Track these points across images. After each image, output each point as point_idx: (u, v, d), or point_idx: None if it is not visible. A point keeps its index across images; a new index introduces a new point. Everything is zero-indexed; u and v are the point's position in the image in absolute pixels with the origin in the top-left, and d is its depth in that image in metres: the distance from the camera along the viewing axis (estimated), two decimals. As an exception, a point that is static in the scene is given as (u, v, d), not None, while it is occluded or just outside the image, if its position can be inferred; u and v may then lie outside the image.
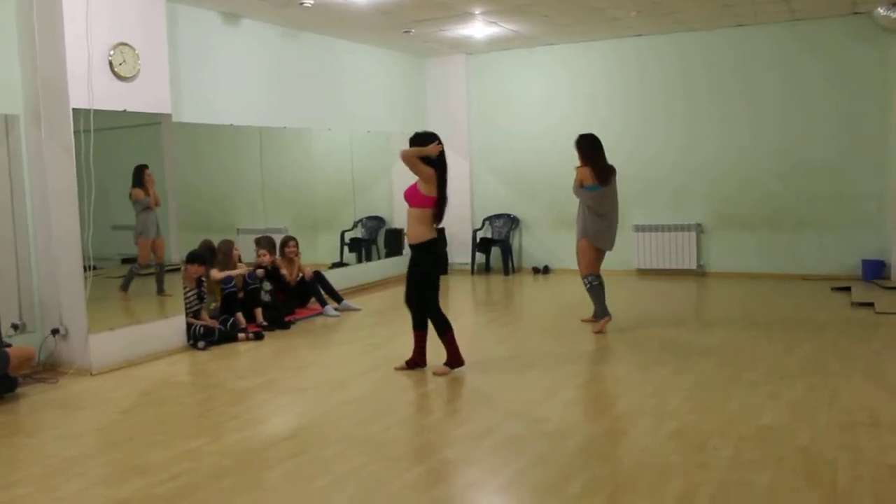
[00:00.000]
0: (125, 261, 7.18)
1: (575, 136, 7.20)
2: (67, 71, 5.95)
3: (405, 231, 5.75)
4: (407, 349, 5.99)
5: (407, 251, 6.02)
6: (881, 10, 8.67)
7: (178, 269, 7.09)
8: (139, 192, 6.92)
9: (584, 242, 7.10)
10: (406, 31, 9.44)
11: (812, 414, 4.57)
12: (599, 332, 6.98)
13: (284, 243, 8.54)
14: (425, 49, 10.90)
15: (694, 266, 10.20)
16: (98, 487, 3.85)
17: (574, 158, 7.19)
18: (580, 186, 7.04)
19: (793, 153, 9.70)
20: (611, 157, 7.20)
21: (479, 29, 9.44)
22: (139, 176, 6.91)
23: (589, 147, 7.11)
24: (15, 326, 6.17)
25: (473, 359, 6.17)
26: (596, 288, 7.09)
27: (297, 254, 8.58)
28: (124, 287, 6.93)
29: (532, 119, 11.16)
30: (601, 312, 7.11)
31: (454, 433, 4.59)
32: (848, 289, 8.69)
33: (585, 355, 6.28)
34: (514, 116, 11.29)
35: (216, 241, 7.84)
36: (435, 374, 5.77)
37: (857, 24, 9.23)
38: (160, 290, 7.06)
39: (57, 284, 6.26)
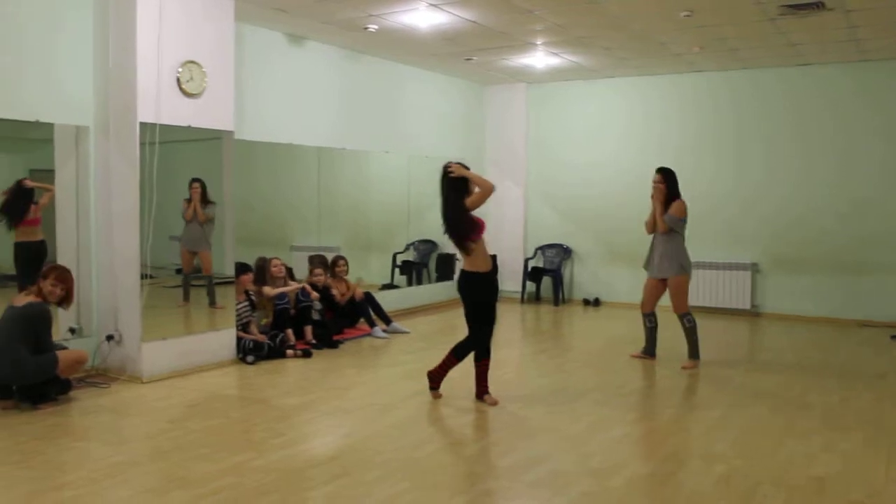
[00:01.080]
0: (178, 271, 7.35)
1: (652, 167, 7.24)
2: (137, 86, 6.13)
3: (478, 263, 5.70)
4: (453, 374, 5.93)
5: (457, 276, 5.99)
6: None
7: (233, 283, 7.21)
8: (184, 204, 7.11)
9: (685, 279, 7.02)
10: (468, 59, 9.51)
11: (869, 469, 4.41)
12: (687, 368, 6.97)
13: (334, 263, 8.62)
14: (486, 77, 10.96)
15: (748, 306, 10.00)
16: (143, 496, 3.90)
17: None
18: (680, 219, 6.97)
19: (849, 193, 9.49)
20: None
21: (539, 59, 9.47)
22: (188, 188, 7.10)
23: (676, 179, 7.10)
24: (72, 330, 6.34)
25: (520, 391, 6.12)
26: (695, 327, 7.07)
27: (346, 273, 8.63)
28: (184, 297, 7.17)
29: (588, 150, 11.12)
30: (697, 353, 7.07)
31: (498, 464, 4.54)
32: (909, 338, 8.42)
33: (634, 392, 6.18)
34: (571, 147, 11.27)
35: (270, 258, 7.95)
36: (489, 403, 5.72)
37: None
38: (211, 303, 7.22)
39: (115, 292, 6.40)
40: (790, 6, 6.89)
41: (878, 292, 9.39)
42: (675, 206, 6.95)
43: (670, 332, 7.54)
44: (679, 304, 7.02)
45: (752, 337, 9.03)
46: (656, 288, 7.19)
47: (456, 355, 5.78)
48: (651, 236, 7.21)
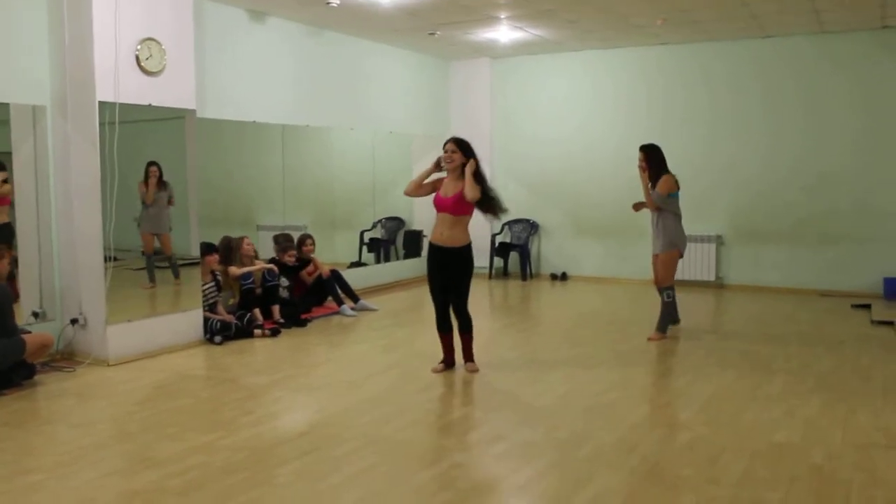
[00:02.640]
0: (144, 252, 7.27)
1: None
2: (95, 64, 6.01)
3: (436, 234, 5.74)
4: (422, 350, 6.00)
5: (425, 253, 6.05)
6: (912, 26, 8.59)
7: (198, 264, 7.15)
8: (141, 187, 7.05)
9: (673, 254, 7.00)
10: (431, 34, 9.46)
11: (827, 432, 4.52)
12: (653, 340, 7.02)
13: (302, 241, 8.58)
14: (450, 52, 10.91)
15: (713, 278, 10.14)
16: (111, 478, 3.89)
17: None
18: (668, 195, 6.93)
19: (815, 166, 9.63)
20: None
21: (504, 33, 9.44)
22: (145, 171, 7.03)
23: (661, 155, 7.05)
24: (35, 314, 6.25)
25: (489, 363, 6.17)
26: (673, 303, 7.12)
27: (313, 251, 8.62)
28: (150, 278, 7.15)
29: (554, 124, 11.14)
30: (665, 327, 7.10)
31: (467, 437, 4.59)
32: (868, 306, 8.59)
33: (601, 363, 6.25)
34: (537, 121, 11.28)
35: (240, 237, 7.89)
36: (469, 371, 5.84)
37: (886, 39, 9.14)
38: (176, 276, 7.30)
39: (78, 274, 6.32)
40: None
41: (839, 263, 9.57)
42: (661, 182, 6.91)
43: (641, 305, 7.63)
44: (663, 278, 7.06)
45: (717, 307, 9.16)
46: (655, 260, 7.19)
47: (468, 330, 5.89)
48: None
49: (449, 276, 5.73)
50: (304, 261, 8.46)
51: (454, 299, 5.79)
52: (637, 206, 7.23)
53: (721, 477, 3.85)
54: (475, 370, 5.87)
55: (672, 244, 6.98)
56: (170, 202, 7.21)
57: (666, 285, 7.07)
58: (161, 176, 7.08)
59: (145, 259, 7.22)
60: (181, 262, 7.29)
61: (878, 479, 3.83)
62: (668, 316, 7.12)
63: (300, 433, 4.57)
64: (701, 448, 4.26)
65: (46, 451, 4.29)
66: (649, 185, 7.01)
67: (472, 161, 5.65)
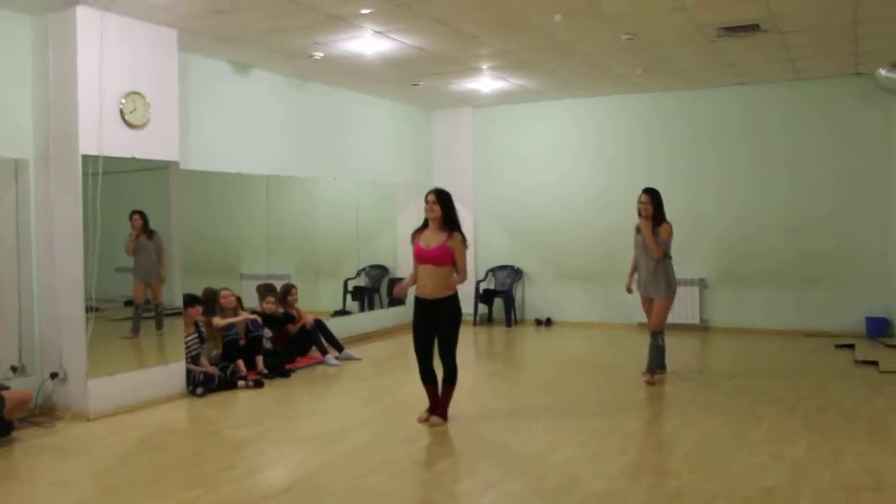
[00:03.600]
0: (127, 303, 7.20)
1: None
2: (79, 118, 6.03)
3: (420, 287, 5.74)
4: (407, 399, 5.94)
5: (410, 301, 6.06)
6: (883, 72, 8.78)
7: (181, 314, 7.09)
8: (130, 238, 6.99)
9: (669, 301, 7.09)
10: (414, 84, 9.57)
11: (815, 476, 4.50)
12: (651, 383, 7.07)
13: (286, 291, 8.55)
14: (433, 101, 11.03)
15: (697, 321, 10.16)
16: (90, 537, 3.80)
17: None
18: (666, 241, 7.01)
19: (796, 210, 9.75)
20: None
21: (486, 83, 9.57)
22: (130, 221, 6.99)
23: (661, 200, 7.10)
24: (14, 369, 6.15)
25: (474, 412, 6.13)
26: (664, 347, 7.19)
27: (296, 301, 8.58)
28: (133, 329, 7.01)
29: (537, 172, 11.24)
30: (658, 367, 7.20)
31: (454, 488, 4.53)
32: (852, 346, 8.64)
33: (586, 410, 6.21)
34: (519, 169, 11.38)
35: (219, 287, 7.84)
36: (432, 425, 5.73)
37: (860, 85, 9.35)
38: (159, 326, 7.12)
39: (58, 327, 6.25)
40: (728, 28, 7.09)
41: (822, 304, 9.63)
42: (665, 228, 6.99)
43: (625, 349, 7.62)
44: (658, 323, 7.08)
45: (702, 350, 9.17)
46: (651, 304, 7.18)
47: (452, 382, 5.83)
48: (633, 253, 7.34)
49: (437, 326, 5.71)
50: (289, 315, 8.40)
51: (442, 349, 5.75)
52: (630, 284, 7.40)
53: (710, 524, 3.82)
54: (440, 425, 5.74)
55: (672, 290, 7.08)
56: (159, 254, 7.09)
57: (660, 329, 7.10)
58: (145, 224, 7.03)
59: (133, 309, 7.11)
60: (165, 312, 7.21)
61: (868, 523, 3.81)
62: (658, 359, 7.17)
63: (284, 488, 4.50)
64: (690, 495, 4.23)
65: (24, 510, 4.20)
66: (651, 231, 7.00)
67: (457, 239, 5.67)
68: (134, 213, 6.97)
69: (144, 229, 7.00)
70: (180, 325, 7.05)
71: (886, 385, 6.89)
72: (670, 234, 7.03)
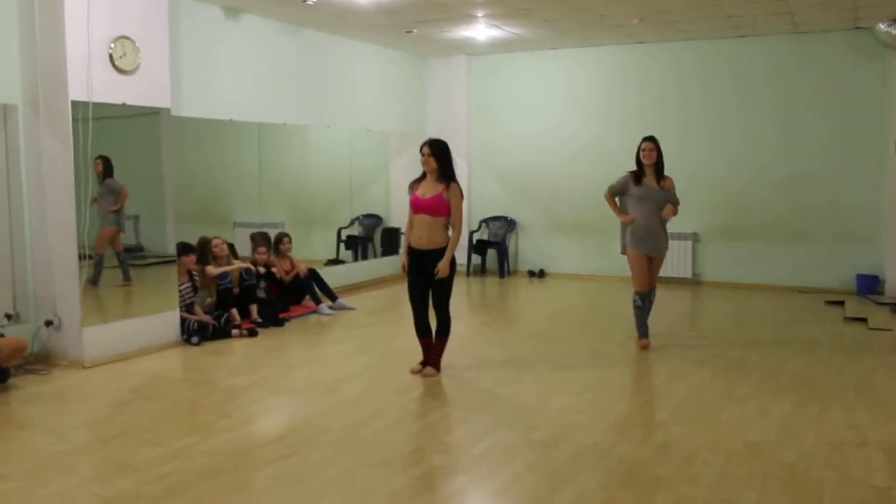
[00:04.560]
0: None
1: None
2: (67, 63, 5.94)
3: (415, 238, 5.73)
4: (401, 350, 5.99)
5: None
6: (882, 26, 8.70)
7: (174, 262, 7.09)
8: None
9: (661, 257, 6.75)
10: (408, 32, 9.43)
11: (801, 431, 4.58)
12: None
13: (279, 240, 8.54)
14: (427, 49, 10.89)
15: (689, 275, 10.22)
16: (87, 484, 3.86)
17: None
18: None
19: (788, 164, 9.74)
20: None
21: (480, 31, 9.44)
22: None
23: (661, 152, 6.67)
24: (8, 316, 6.16)
25: (467, 362, 6.19)
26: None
27: (290, 250, 8.58)
28: (92, 280, 6.41)
29: (531, 122, 11.17)
30: (646, 330, 6.82)
31: (445, 439, 4.60)
32: (842, 303, 8.72)
33: (578, 363, 6.28)
34: (514, 119, 11.30)
35: (212, 235, 7.83)
36: (424, 375, 5.80)
37: (858, 39, 9.26)
38: (125, 278, 6.87)
39: (52, 275, 6.25)
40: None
41: (813, 260, 9.69)
42: (669, 183, 6.63)
43: (618, 302, 7.66)
44: (650, 282, 6.68)
45: (693, 305, 9.25)
46: (647, 266, 6.66)
47: (445, 334, 5.87)
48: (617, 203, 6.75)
49: (431, 277, 5.73)
50: (266, 265, 8.27)
51: (436, 300, 5.78)
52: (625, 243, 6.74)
53: (697, 477, 3.90)
54: (433, 375, 5.81)
55: (665, 247, 6.74)
56: (117, 202, 6.73)
57: (653, 284, 6.76)
58: (105, 169, 6.59)
59: (96, 257, 6.55)
60: (157, 260, 7.20)
61: (850, 477, 3.89)
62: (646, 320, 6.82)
63: (278, 437, 4.56)
64: (677, 449, 4.30)
65: (21, 457, 4.24)
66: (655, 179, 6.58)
67: (455, 191, 5.64)
68: (96, 158, 6.45)
69: (105, 174, 6.63)
70: (173, 274, 7.02)
71: (874, 342, 6.98)
72: (673, 186, 6.67)
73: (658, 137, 6.67)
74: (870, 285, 9.23)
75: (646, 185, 6.59)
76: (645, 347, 6.71)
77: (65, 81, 5.96)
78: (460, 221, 5.74)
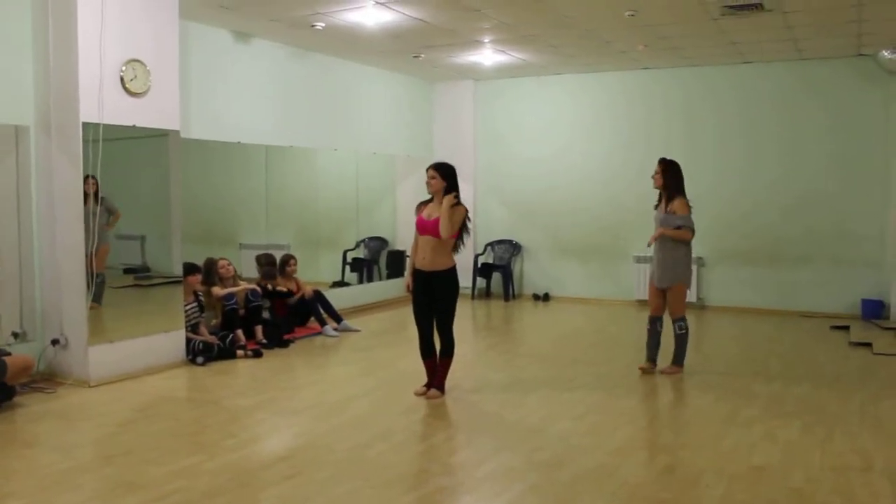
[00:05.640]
0: (127, 271, 7.23)
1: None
2: (79, 85, 6.02)
3: (419, 259, 5.76)
4: (405, 371, 5.99)
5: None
6: (885, 53, 8.77)
7: (180, 283, 7.12)
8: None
9: (680, 287, 6.51)
10: (415, 56, 9.53)
11: (806, 455, 4.57)
12: (666, 373, 6.58)
13: (285, 262, 8.58)
14: (434, 74, 10.99)
15: (693, 299, 10.20)
16: (92, 503, 3.86)
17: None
18: (686, 219, 6.43)
19: (793, 189, 9.77)
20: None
21: (487, 56, 9.54)
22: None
23: (677, 171, 6.48)
24: (15, 335, 6.20)
25: (471, 385, 6.19)
26: (686, 334, 6.61)
27: (296, 272, 8.61)
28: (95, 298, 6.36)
29: (537, 146, 11.23)
30: (680, 360, 6.63)
31: (449, 460, 4.60)
32: (847, 328, 8.70)
33: (582, 386, 6.28)
34: (520, 143, 11.37)
35: (218, 256, 7.87)
36: (429, 398, 5.80)
37: (862, 66, 9.33)
38: (96, 300, 6.44)
39: (59, 294, 6.29)
40: (731, 7, 7.06)
41: (818, 284, 9.69)
42: (675, 206, 6.46)
43: (622, 326, 7.66)
44: (675, 310, 6.54)
45: (698, 329, 9.21)
46: (658, 293, 6.63)
47: (450, 355, 5.87)
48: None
49: (434, 299, 5.75)
50: (286, 293, 8.39)
51: (439, 322, 5.81)
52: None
53: (700, 500, 3.89)
54: (437, 397, 5.81)
55: (677, 277, 6.53)
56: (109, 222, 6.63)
57: (678, 315, 6.57)
58: (96, 190, 6.38)
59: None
60: (163, 280, 7.22)
61: (855, 502, 3.88)
62: (683, 348, 6.65)
63: (283, 457, 4.57)
64: (680, 472, 4.30)
65: (26, 475, 4.26)
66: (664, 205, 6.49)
67: (448, 197, 5.66)
68: (90, 177, 6.30)
69: (95, 195, 6.39)
70: (179, 294, 7.05)
71: (879, 367, 6.96)
72: (685, 208, 6.43)
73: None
74: (875, 310, 9.22)
75: (657, 210, 6.57)
76: (641, 370, 6.65)
77: (76, 103, 6.04)
78: (447, 223, 5.58)
